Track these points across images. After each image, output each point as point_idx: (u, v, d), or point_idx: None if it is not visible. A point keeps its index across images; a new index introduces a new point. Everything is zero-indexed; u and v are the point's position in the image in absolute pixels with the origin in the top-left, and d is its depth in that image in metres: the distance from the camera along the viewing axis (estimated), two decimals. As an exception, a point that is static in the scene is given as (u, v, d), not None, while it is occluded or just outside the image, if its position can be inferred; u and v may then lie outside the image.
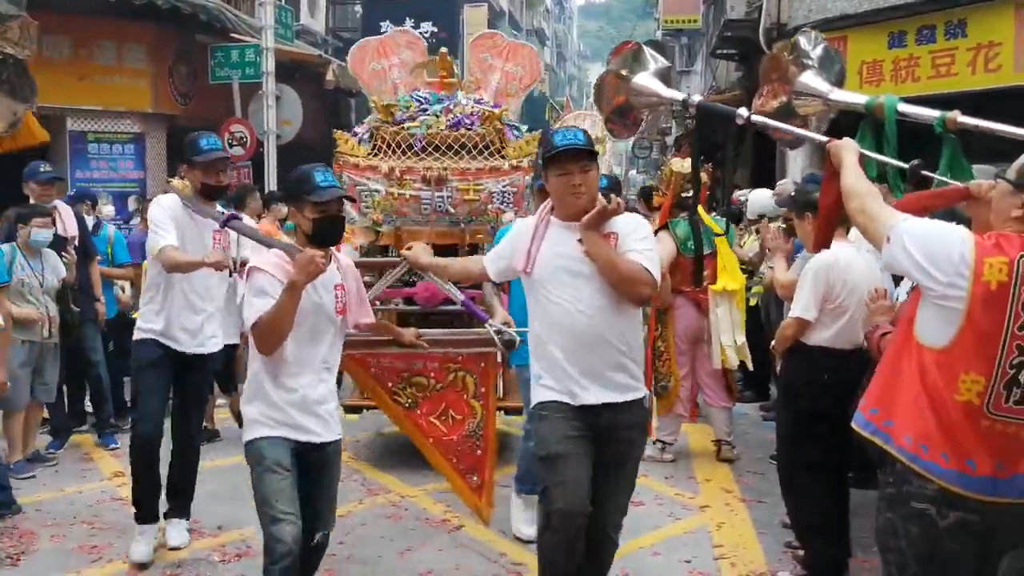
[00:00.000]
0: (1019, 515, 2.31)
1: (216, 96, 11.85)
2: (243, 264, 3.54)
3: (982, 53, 8.07)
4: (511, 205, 5.45)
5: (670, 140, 25.53)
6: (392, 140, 5.52)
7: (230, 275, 4.05)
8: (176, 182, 5.68)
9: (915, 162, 2.81)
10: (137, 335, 4.26)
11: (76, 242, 6.03)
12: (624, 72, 3.55)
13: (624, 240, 3.02)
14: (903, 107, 2.95)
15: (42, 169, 5.84)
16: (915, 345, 2.33)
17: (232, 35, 11.71)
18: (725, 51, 13.56)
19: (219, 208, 4.25)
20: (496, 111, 5.61)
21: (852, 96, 3.18)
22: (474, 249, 5.52)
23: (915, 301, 2.39)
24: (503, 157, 5.49)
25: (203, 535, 4.52)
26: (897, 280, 4.06)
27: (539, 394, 3.13)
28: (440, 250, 5.00)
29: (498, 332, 3.81)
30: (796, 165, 9.85)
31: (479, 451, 3.86)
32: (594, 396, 3.03)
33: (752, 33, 10.83)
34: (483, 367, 3.90)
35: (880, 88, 8.76)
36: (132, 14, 10.53)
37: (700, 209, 5.22)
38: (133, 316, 7.39)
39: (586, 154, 3.03)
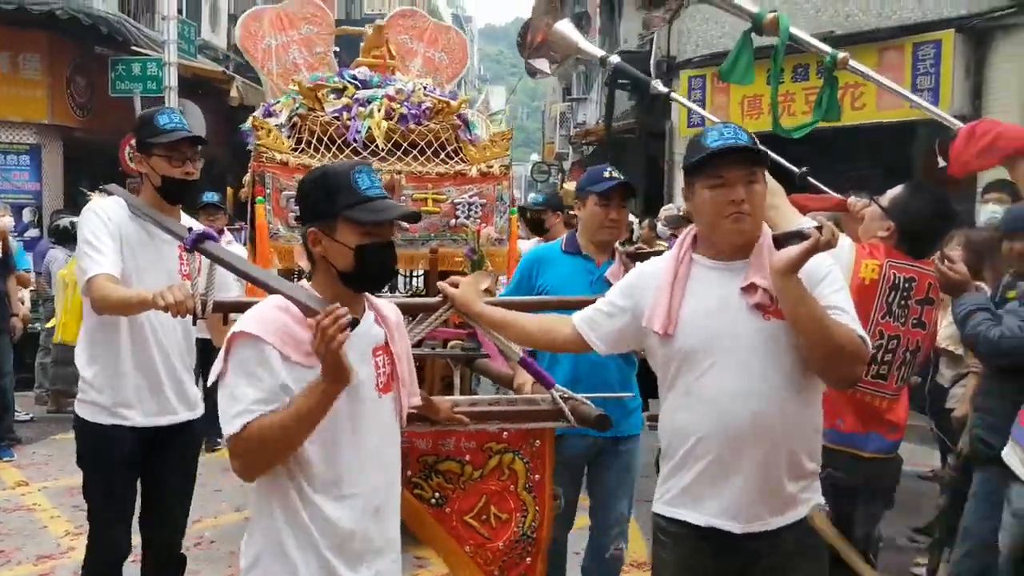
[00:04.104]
0: (869, 474, 2.89)
1: (116, 109, 11.67)
2: (218, 309, 2.55)
3: (849, 92, 8.84)
4: (478, 220, 4.38)
5: (567, 165, 26.36)
6: (323, 133, 4.30)
7: (194, 322, 2.66)
8: (96, 198, 3.42)
9: (803, 169, 3.49)
10: (83, 410, 3.01)
11: None
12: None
13: (814, 290, 2.10)
14: (795, 31, 3.16)
15: None
16: None
17: (133, 48, 11.61)
18: (619, 81, 14.26)
19: (187, 220, 3.23)
20: (453, 102, 4.56)
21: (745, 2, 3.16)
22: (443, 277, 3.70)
23: None
24: (463, 160, 4.43)
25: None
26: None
27: (663, 508, 2.30)
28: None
29: (567, 400, 2.73)
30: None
31: (528, 558, 2.86)
32: (750, 520, 2.16)
33: (644, 64, 11.53)
34: (537, 447, 2.83)
35: (759, 122, 9.50)
36: (28, 23, 10.36)
37: None
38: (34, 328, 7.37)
39: (753, 157, 2.14)
